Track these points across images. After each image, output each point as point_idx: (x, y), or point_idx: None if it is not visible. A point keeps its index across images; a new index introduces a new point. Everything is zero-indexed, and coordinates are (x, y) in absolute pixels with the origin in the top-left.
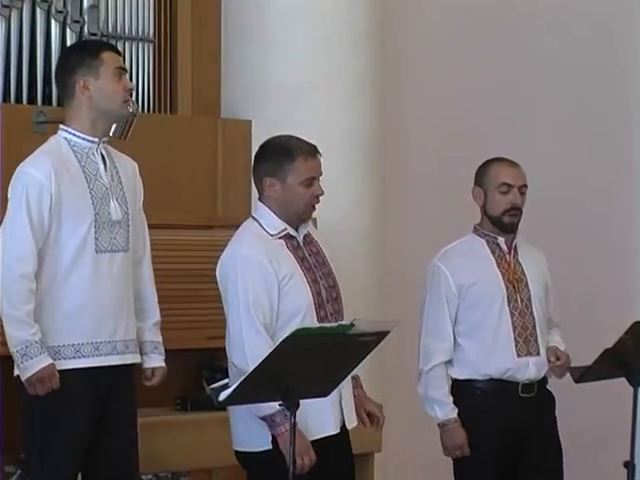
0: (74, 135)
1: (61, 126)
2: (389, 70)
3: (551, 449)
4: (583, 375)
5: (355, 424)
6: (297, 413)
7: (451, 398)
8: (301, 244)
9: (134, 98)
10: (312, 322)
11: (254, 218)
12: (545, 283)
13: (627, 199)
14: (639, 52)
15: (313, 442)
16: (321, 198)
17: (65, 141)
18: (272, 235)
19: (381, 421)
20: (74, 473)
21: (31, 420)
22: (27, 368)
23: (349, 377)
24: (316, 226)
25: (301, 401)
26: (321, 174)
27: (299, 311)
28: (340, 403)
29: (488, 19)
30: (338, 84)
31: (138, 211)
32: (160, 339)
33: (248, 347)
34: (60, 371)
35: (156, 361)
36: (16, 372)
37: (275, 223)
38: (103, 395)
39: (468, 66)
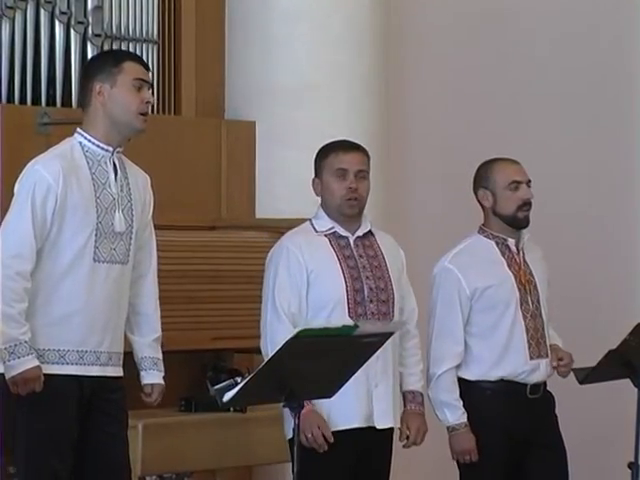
0: (89, 141)
1: (78, 129)
2: (393, 71)
3: (557, 448)
4: (587, 376)
5: (389, 425)
6: (320, 402)
7: (461, 402)
8: (351, 244)
9: None
10: (342, 317)
11: (310, 219)
12: (547, 282)
13: (629, 200)
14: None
15: (340, 432)
16: None
17: (79, 146)
18: (317, 232)
19: (409, 444)
20: (65, 471)
21: (15, 418)
22: (13, 367)
23: (391, 374)
24: None
25: None
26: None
27: (327, 304)
28: (370, 400)
29: (491, 20)
30: (342, 85)
31: (145, 224)
32: (160, 355)
33: (269, 332)
34: (44, 374)
35: (155, 378)
36: None
37: (324, 222)
38: (88, 394)
39: (472, 67)
